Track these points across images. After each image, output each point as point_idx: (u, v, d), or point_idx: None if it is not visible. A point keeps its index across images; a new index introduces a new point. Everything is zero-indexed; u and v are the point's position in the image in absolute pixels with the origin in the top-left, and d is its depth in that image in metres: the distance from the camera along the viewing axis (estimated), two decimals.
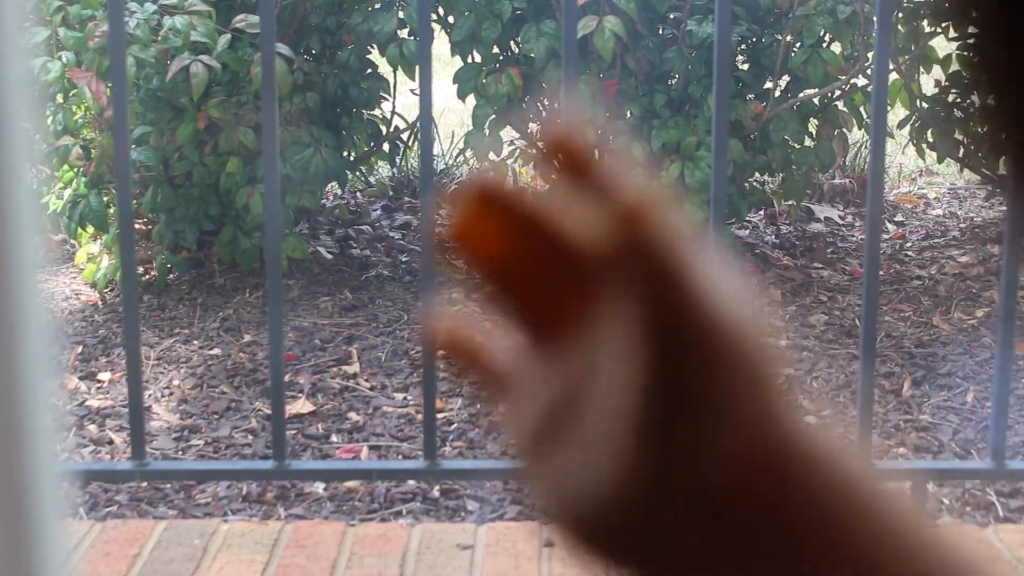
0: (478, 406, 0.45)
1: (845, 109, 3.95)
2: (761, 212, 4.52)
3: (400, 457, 2.79)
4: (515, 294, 0.42)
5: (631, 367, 0.39)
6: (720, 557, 0.39)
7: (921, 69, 4.22)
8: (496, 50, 3.78)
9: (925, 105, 4.27)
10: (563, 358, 0.41)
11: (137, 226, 3.80)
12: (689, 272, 0.39)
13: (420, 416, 2.85)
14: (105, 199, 3.62)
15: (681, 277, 0.39)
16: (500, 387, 0.44)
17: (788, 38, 3.71)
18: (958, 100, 4.28)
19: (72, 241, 4.03)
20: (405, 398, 3.09)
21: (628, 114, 3.74)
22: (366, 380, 3.19)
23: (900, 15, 4.10)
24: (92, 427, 2.94)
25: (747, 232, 4.40)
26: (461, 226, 0.42)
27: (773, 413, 0.40)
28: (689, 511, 0.39)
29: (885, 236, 4.39)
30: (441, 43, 3.92)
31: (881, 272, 3.44)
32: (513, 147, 3.99)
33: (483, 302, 0.43)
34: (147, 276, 3.83)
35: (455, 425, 2.94)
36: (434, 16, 3.76)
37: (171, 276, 3.85)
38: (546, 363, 0.42)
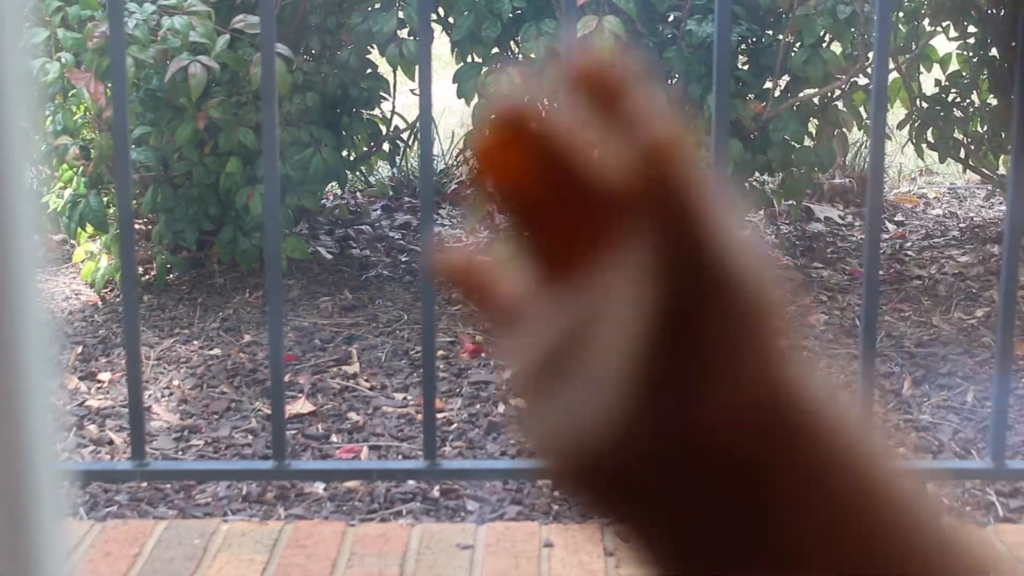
0: (485, 336, 0.44)
1: (845, 109, 3.94)
2: (761, 212, 4.52)
3: (400, 457, 2.79)
4: (533, 224, 0.42)
5: (638, 308, 0.38)
6: (704, 509, 0.39)
7: (921, 68, 4.22)
8: (496, 50, 3.78)
9: (925, 105, 4.27)
10: (573, 293, 0.41)
11: (137, 226, 3.80)
12: (704, 219, 0.39)
13: (420, 416, 2.85)
14: (104, 199, 3.62)
15: (696, 223, 0.39)
16: (507, 318, 0.43)
17: (788, 38, 3.71)
18: (958, 100, 4.28)
19: (72, 241, 4.03)
20: (405, 398, 3.09)
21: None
22: (366, 380, 3.19)
23: (900, 14, 4.10)
24: (92, 427, 2.94)
25: (747, 232, 4.40)
26: (486, 150, 0.41)
27: (774, 368, 0.40)
28: (679, 459, 0.38)
29: (885, 236, 4.39)
30: (441, 43, 3.92)
31: (881, 272, 3.44)
32: None
33: (501, 230, 0.42)
34: (147, 276, 3.83)
35: (455, 425, 2.94)
36: (434, 16, 3.76)
37: (171, 276, 3.85)
38: (556, 298, 0.42)
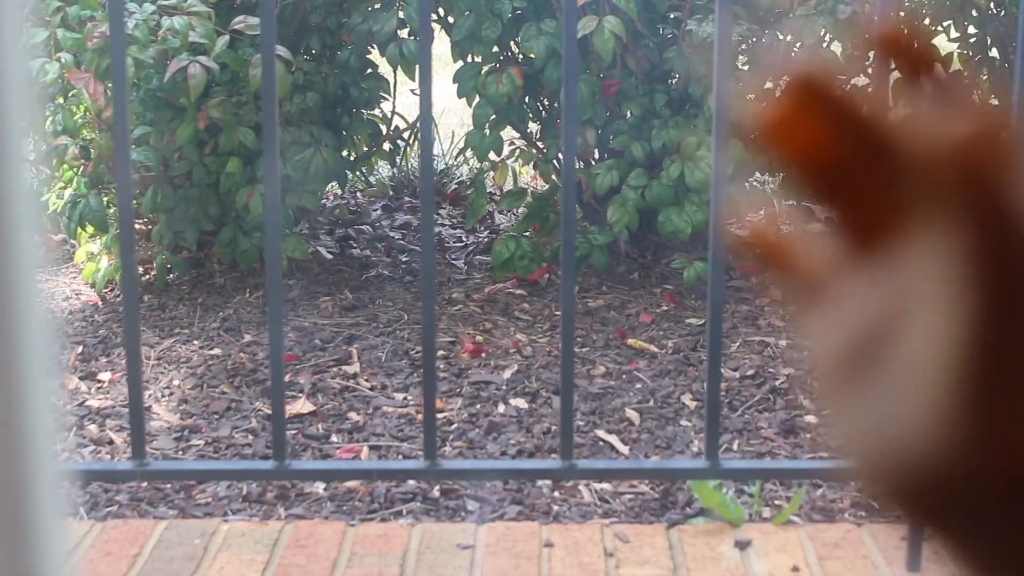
0: (788, 305, 0.40)
1: None
2: (761, 212, 4.52)
3: (400, 457, 2.79)
4: (834, 195, 0.38)
5: (953, 308, 0.33)
6: None
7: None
8: (496, 50, 3.78)
9: None
10: (880, 277, 0.36)
11: (137, 226, 3.80)
12: None
13: (420, 416, 2.85)
14: (104, 199, 3.62)
15: (1018, 219, 0.34)
16: (811, 293, 0.39)
17: (788, 37, 3.71)
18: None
19: (72, 241, 4.03)
20: (405, 398, 3.09)
21: (628, 114, 3.74)
22: (366, 380, 3.19)
23: (900, 15, 4.10)
24: (92, 427, 2.94)
25: (747, 232, 4.40)
26: (781, 116, 0.37)
27: None
28: (1012, 483, 0.33)
29: None
30: (441, 43, 3.92)
31: None
32: (513, 147, 3.98)
33: (801, 199, 0.39)
34: (147, 276, 3.83)
35: (455, 425, 2.94)
36: (434, 16, 3.76)
37: (171, 276, 3.85)
38: (862, 279, 0.37)
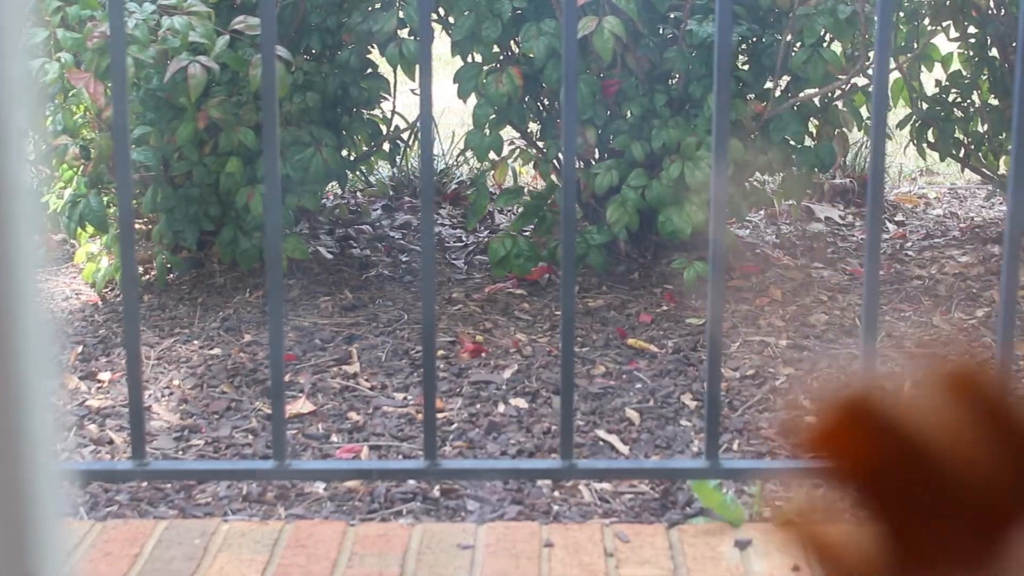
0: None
1: (845, 109, 3.94)
2: (761, 212, 4.52)
3: (400, 457, 2.79)
4: (887, 513, 0.38)
5: None
6: None
7: (922, 68, 4.22)
8: (496, 50, 3.77)
9: (925, 105, 4.27)
10: None
11: (137, 226, 3.80)
12: None
13: (420, 416, 2.85)
14: (104, 199, 3.62)
15: None
16: None
17: (788, 38, 3.71)
18: (959, 100, 4.28)
19: (72, 241, 4.03)
20: (405, 398, 3.09)
21: (628, 114, 3.74)
22: (366, 380, 3.19)
23: (901, 14, 4.10)
24: (92, 427, 2.94)
25: (747, 232, 4.40)
26: (830, 431, 0.38)
27: None
28: None
29: (885, 236, 4.39)
30: (441, 43, 3.92)
31: (881, 272, 3.44)
32: (513, 147, 3.98)
33: (852, 511, 0.39)
34: (147, 276, 3.83)
35: (455, 425, 2.94)
36: (434, 16, 3.76)
37: (171, 276, 3.85)
38: None
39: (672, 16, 3.77)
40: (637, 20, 3.58)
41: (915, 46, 4.15)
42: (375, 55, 3.92)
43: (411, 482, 2.61)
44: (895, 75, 4.17)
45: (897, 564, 0.38)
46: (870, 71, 3.63)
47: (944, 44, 4.28)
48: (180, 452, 2.82)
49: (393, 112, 4.19)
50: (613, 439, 2.86)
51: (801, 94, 3.82)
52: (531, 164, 4.09)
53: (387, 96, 4.07)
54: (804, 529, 0.40)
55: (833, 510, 0.39)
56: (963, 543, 0.36)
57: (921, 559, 0.37)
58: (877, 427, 0.37)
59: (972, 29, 4.15)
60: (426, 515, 2.53)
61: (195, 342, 3.43)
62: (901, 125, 4.37)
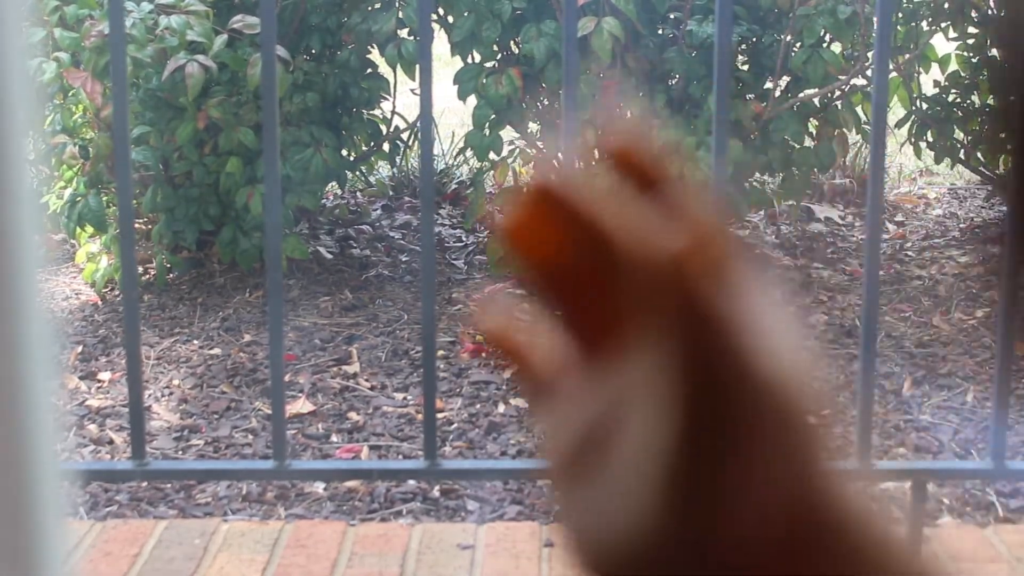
0: (523, 402, 0.44)
1: (844, 109, 3.95)
2: (761, 212, 4.52)
3: (400, 457, 2.79)
4: (564, 300, 0.40)
5: (664, 405, 0.36)
6: None
7: (920, 69, 4.22)
8: (496, 50, 3.78)
9: (924, 105, 4.27)
10: (603, 378, 0.39)
11: (136, 226, 3.80)
12: (740, 314, 0.37)
13: (420, 416, 2.85)
14: (104, 199, 3.62)
15: (730, 318, 0.36)
16: (543, 391, 0.42)
17: (788, 38, 3.71)
18: (957, 100, 4.28)
19: (72, 241, 4.03)
20: (405, 398, 3.09)
21: (628, 114, 3.74)
22: (366, 380, 3.19)
23: (899, 15, 4.10)
24: (92, 427, 2.94)
25: (747, 232, 4.40)
26: (516, 222, 0.39)
27: (808, 479, 0.37)
28: (704, 570, 0.36)
29: (885, 236, 4.39)
30: (441, 43, 3.92)
31: (881, 272, 3.44)
32: (513, 147, 3.98)
33: (533, 302, 0.41)
34: (147, 276, 3.83)
35: (455, 425, 2.94)
36: (434, 16, 3.76)
37: (171, 276, 3.85)
38: (588, 379, 0.40)
39: (672, 16, 3.77)
40: (636, 21, 3.58)
41: (912, 47, 4.15)
42: (375, 55, 3.92)
43: (411, 482, 2.61)
44: (892, 75, 4.17)
45: (575, 356, 0.40)
46: (869, 71, 3.63)
47: (942, 45, 4.28)
48: (180, 452, 2.82)
49: (393, 112, 4.19)
50: None
51: (801, 94, 3.82)
52: (531, 164, 4.08)
53: (387, 96, 4.07)
54: (497, 337, 0.42)
55: (528, 321, 0.42)
56: (633, 323, 0.38)
57: (593, 345, 0.39)
58: (559, 214, 0.38)
59: (972, 29, 4.16)
60: (426, 515, 2.53)
61: (195, 342, 3.43)
62: (899, 124, 4.37)
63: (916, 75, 4.25)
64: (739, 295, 0.37)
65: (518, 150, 3.97)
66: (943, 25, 4.15)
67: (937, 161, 4.44)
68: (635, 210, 0.38)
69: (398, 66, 3.80)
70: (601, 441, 0.38)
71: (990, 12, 4.09)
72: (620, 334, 0.38)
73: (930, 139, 4.30)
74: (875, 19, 2.20)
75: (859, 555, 0.37)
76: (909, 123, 4.32)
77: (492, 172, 4.06)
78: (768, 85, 3.84)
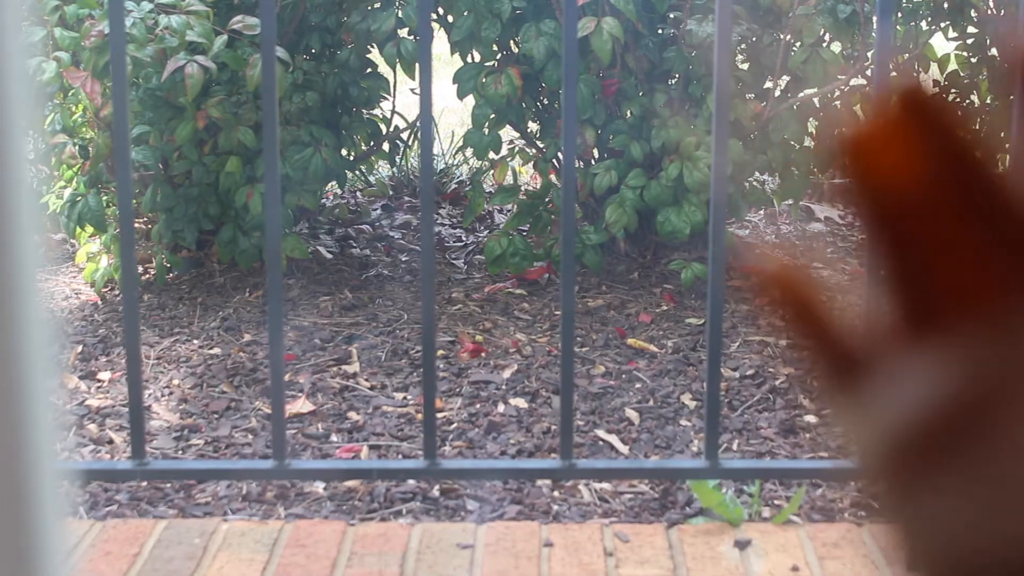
0: (814, 384, 0.32)
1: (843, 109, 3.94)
2: (761, 212, 4.52)
3: (400, 457, 2.79)
4: (914, 244, 0.32)
5: None
6: None
7: (919, 68, 4.22)
8: (496, 49, 3.77)
9: None
10: (977, 340, 0.30)
11: (136, 225, 3.79)
12: None
13: (420, 416, 2.85)
14: (103, 199, 3.62)
15: None
16: (849, 368, 0.33)
17: (788, 37, 3.71)
18: (957, 99, 4.28)
19: (72, 241, 4.03)
20: (405, 398, 3.09)
21: (628, 114, 3.74)
22: (366, 380, 3.19)
23: (899, 14, 4.10)
24: (92, 426, 2.94)
25: (747, 232, 4.40)
26: (870, 134, 0.31)
27: None
28: None
29: None
30: (440, 42, 3.92)
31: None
32: (513, 147, 3.98)
33: (866, 244, 0.32)
34: (146, 276, 3.83)
35: (455, 425, 2.94)
36: (433, 15, 3.76)
37: (170, 276, 3.85)
38: (939, 347, 0.31)
39: (672, 16, 3.77)
40: (636, 21, 3.58)
41: (912, 47, 4.15)
42: (375, 54, 3.92)
43: (411, 482, 2.61)
44: (892, 75, 4.17)
45: (913, 312, 0.32)
46: (869, 71, 3.63)
47: (941, 44, 4.28)
48: (180, 452, 2.82)
49: (393, 112, 4.19)
50: (613, 439, 2.86)
51: (801, 94, 3.82)
52: (531, 164, 4.09)
53: (387, 96, 4.07)
54: (787, 283, 0.33)
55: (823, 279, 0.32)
56: (1000, 284, 0.30)
57: (950, 302, 0.31)
58: (925, 134, 0.31)
59: (971, 29, 4.16)
60: (426, 515, 2.53)
61: (195, 342, 3.43)
62: None
63: (916, 75, 4.25)
64: None
65: (517, 149, 3.97)
66: (942, 25, 4.15)
67: None
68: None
69: (398, 65, 3.80)
70: (966, 424, 0.29)
71: (990, 12, 4.09)
72: (1002, 288, 0.30)
73: None
74: (875, 19, 2.20)
75: None
76: None
77: (492, 172, 4.06)
78: (768, 85, 3.84)
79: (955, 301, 0.31)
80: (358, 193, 4.70)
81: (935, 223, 0.31)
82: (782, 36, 3.72)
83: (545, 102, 3.94)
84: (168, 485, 2.62)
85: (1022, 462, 0.28)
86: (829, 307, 0.33)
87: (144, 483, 2.59)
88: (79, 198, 3.62)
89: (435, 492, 2.60)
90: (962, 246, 0.31)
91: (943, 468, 0.29)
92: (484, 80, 3.68)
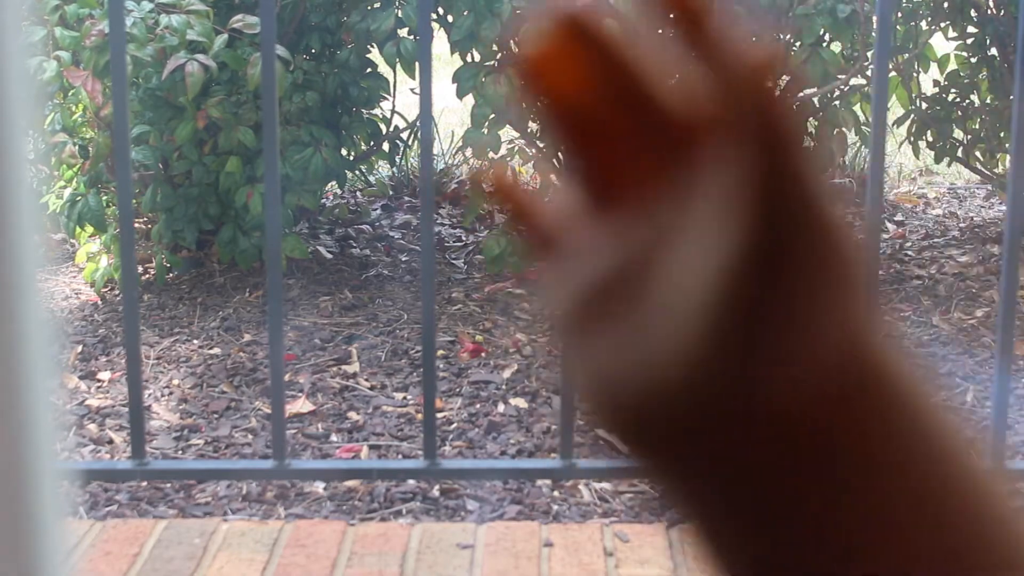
0: (527, 250, 0.39)
1: (843, 109, 3.94)
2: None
3: (400, 457, 2.79)
4: (587, 142, 0.37)
5: (718, 241, 0.33)
6: (768, 481, 0.34)
7: (919, 68, 4.22)
8: (495, 49, 3.77)
9: (924, 104, 4.27)
10: (633, 221, 0.36)
11: (136, 225, 3.80)
12: (801, 151, 0.34)
13: (420, 416, 2.85)
14: (104, 198, 3.62)
15: (794, 154, 0.34)
16: (550, 242, 0.39)
17: (787, 37, 3.71)
18: (957, 99, 4.28)
19: (72, 241, 4.03)
20: (405, 398, 3.09)
21: None
22: (366, 380, 3.19)
23: (899, 14, 4.10)
24: (92, 426, 2.94)
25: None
26: (539, 54, 0.36)
27: (861, 329, 0.35)
28: (747, 420, 0.34)
29: (885, 236, 4.39)
30: (440, 42, 3.92)
31: (881, 272, 3.44)
32: (512, 146, 3.98)
33: (550, 144, 0.38)
34: (146, 276, 3.83)
35: (455, 425, 2.94)
36: (433, 15, 3.76)
37: (170, 275, 3.85)
38: (610, 224, 0.37)
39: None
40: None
41: (911, 46, 4.15)
42: (375, 54, 3.92)
43: (411, 482, 2.61)
44: (891, 75, 4.17)
45: (593, 202, 0.38)
46: (869, 71, 3.63)
47: (941, 44, 4.28)
48: (180, 452, 2.82)
49: (393, 112, 4.19)
50: (613, 439, 2.86)
51: (800, 94, 3.82)
52: (531, 164, 4.08)
53: (387, 96, 4.07)
54: (498, 181, 0.40)
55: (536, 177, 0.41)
56: (660, 173, 0.36)
57: (611, 192, 0.37)
58: (589, 44, 0.36)
59: (971, 29, 4.16)
60: (426, 515, 2.53)
61: (195, 342, 3.43)
62: (898, 124, 4.37)
63: (915, 74, 4.25)
64: (797, 131, 0.35)
65: (517, 149, 3.97)
66: (942, 24, 4.15)
67: (936, 161, 4.44)
68: (673, 41, 0.36)
69: (398, 65, 3.80)
70: (628, 281, 0.35)
71: (989, 12, 4.09)
72: (655, 174, 0.36)
73: (929, 139, 4.30)
74: (874, 19, 2.20)
75: (910, 417, 0.36)
76: (908, 122, 4.33)
77: (491, 171, 4.06)
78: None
79: (615, 191, 0.37)
80: (358, 193, 4.71)
81: (597, 127, 0.37)
82: (781, 35, 3.72)
83: None
84: (168, 485, 2.62)
85: (653, 311, 0.34)
86: (538, 201, 0.40)
87: (144, 483, 2.59)
88: (79, 198, 3.62)
89: (435, 492, 2.60)
90: (620, 146, 0.37)
91: (602, 320, 0.36)
92: (484, 79, 3.68)
